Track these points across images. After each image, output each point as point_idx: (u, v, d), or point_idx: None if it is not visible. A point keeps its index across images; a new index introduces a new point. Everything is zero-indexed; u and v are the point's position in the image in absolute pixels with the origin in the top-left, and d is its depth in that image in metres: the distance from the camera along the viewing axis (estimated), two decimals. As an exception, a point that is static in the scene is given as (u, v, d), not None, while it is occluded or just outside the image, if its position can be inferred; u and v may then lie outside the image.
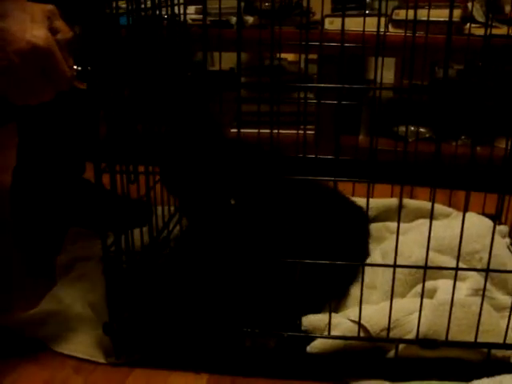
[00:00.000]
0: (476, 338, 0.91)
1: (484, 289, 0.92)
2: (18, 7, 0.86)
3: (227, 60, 1.44)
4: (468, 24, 1.75)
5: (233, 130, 1.88)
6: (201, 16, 1.88)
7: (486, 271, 0.92)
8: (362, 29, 1.41)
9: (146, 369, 0.98)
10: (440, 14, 1.58)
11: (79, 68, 0.92)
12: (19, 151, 1.44)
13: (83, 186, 1.48)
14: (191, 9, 1.93)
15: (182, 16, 1.35)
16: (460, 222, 0.87)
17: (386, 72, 1.73)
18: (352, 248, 1.14)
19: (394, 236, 0.90)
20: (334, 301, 1.09)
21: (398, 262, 0.91)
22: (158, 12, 1.19)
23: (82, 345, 1.02)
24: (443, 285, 1.03)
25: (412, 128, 1.83)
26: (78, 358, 1.00)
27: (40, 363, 1.00)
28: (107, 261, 0.94)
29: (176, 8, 1.31)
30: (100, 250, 0.94)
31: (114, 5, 0.90)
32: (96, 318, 1.08)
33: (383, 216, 1.40)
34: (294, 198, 1.05)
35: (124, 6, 1.02)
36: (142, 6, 1.10)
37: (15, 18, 0.84)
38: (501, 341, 0.92)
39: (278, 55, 1.76)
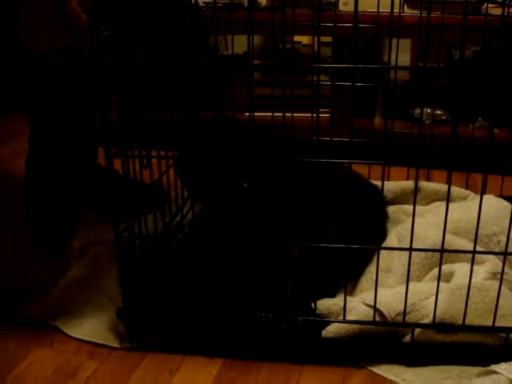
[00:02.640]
0: (494, 322, 0.90)
1: (502, 272, 0.90)
2: None
3: (242, 44, 1.43)
4: (485, 4, 1.72)
5: (246, 114, 1.86)
6: (212, -1, 1.87)
7: (504, 254, 0.90)
8: (376, 10, 1.39)
9: (159, 353, 0.98)
10: (456, -6, 1.55)
11: None
12: (31, 138, 1.44)
13: (96, 171, 1.48)
14: (203, -9, 1.92)
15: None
16: (477, 205, 0.86)
17: (402, 54, 1.70)
18: (368, 229, 1.13)
19: (411, 219, 0.89)
20: (350, 283, 1.08)
21: (415, 245, 0.90)
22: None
23: (96, 330, 1.03)
24: (460, 268, 1.02)
25: (428, 110, 1.80)
26: (92, 342, 1.01)
27: (55, 348, 1.00)
28: (120, 246, 0.94)
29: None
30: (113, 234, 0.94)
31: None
32: (110, 303, 1.09)
33: (400, 199, 1.39)
34: (308, 179, 1.04)
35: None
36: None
37: None
38: (519, 325, 0.91)
39: (291, 38, 1.74)
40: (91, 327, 1.03)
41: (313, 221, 1.04)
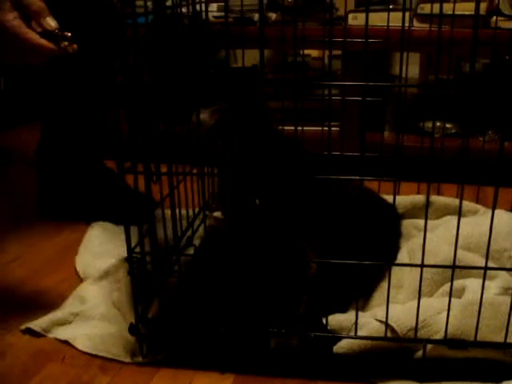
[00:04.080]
0: (506, 338, 0.89)
1: (514, 288, 0.90)
2: None
3: (251, 57, 1.43)
4: (494, 17, 1.73)
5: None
6: (223, 13, 1.88)
7: (516, 270, 0.90)
8: (386, 24, 1.39)
9: (171, 368, 0.98)
10: (465, 8, 1.56)
11: (68, 34, 0.96)
12: (42, 131, 1.55)
13: (103, 177, 1.55)
14: (213, 6, 1.93)
15: (203, 14, 1.35)
16: (488, 219, 0.86)
17: (411, 67, 1.71)
18: (382, 246, 1.13)
19: (422, 233, 0.89)
20: (361, 299, 1.08)
21: (426, 261, 0.90)
22: (179, 10, 1.19)
23: (107, 345, 1.02)
24: (471, 284, 1.02)
25: (438, 123, 1.80)
26: (103, 357, 1.00)
27: (66, 363, 1.00)
28: (132, 262, 0.94)
29: (198, 6, 1.31)
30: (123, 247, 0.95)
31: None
32: (121, 317, 1.09)
33: (410, 213, 1.39)
34: (324, 196, 1.04)
35: (142, 3, 1.02)
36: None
37: None
38: (531, 341, 0.90)
39: (301, 52, 1.75)
40: (102, 342, 1.03)
41: (332, 238, 1.04)
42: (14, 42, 0.98)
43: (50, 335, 1.06)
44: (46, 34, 0.97)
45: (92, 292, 1.17)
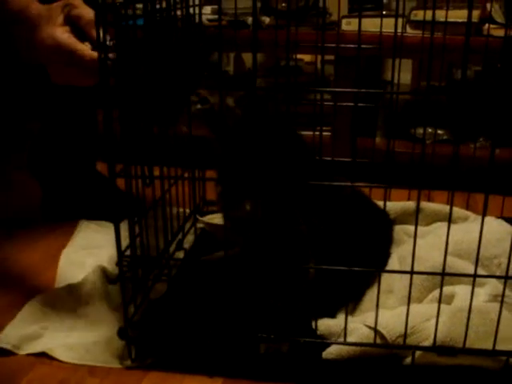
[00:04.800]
0: (494, 345, 0.90)
1: (503, 295, 0.90)
2: (37, 13, 1.03)
3: (244, 59, 1.44)
4: (487, 25, 1.73)
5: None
6: (217, 16, 1.88)
7: (505, 278, 0.90)
8: (379, 30, 1.40)
9: (160, 372, 0.98)
10: (458, 15, 1.57)
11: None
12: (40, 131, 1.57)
13: (93, 180, 1.56)
14: (207, 9, 1.93)
15: (197, 16, 1.35)
16: (478, 226, 0.86)
17: (404, 73, 1.71)
18: (374, 252, 1.13)
19: (412, 239, 0.89)
20: (351, 304, 1.08)
21: (416, 267, 0.90)
22: (172, 13, 1.19)
23: (93, 353, 1.01)
24: (461, 290, 1.02)
25: (429, 130, 1.81)
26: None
27: (55, 365, 0.99)
28: (121, 266, 0.94)
29: (191, 9, 1.31)
30: (109, 247, 0.94)
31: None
32: (103, 324, 1.08)
33: (401, 219, 1.39)
34: (318, 199, 1.04)
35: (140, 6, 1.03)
36: (158, 6, 1.10)
37: (37, 25, 1.02)
38: (519, 348, 0.91)
39: (294, 56, 1.76)
40: (87, 350, 1.01)
41: (331, 242, 1.04)
42: (67, 56, 1.00)
43: (22, 352, 1.02)
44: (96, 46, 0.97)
45: (68, 298, 1.15)
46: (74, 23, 1.02)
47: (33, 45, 1.02)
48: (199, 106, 1.01)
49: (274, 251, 1.01)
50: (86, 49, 1.00)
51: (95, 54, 0.97)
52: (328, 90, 1.10)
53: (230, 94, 0.98)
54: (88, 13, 1.01)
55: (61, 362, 1.00)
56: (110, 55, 0.89)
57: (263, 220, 0.99)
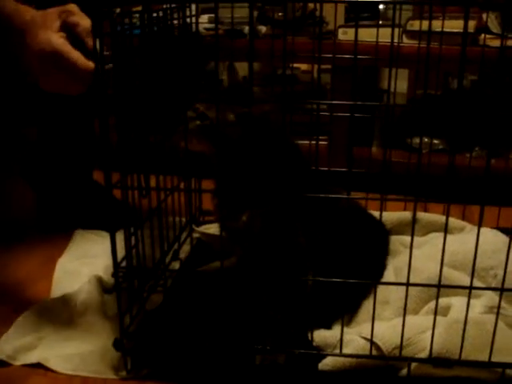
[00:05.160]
0: (490, 357, 0.89)
1: (498, 307, 0.90)
2: (30, 19, 1.02)
3: (240, 69, 1.44)
4: (483, 35, 1.74)
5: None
6: (214, 25, 1.88)
7: (501, 290, 0.90)
8: (375, 39, 1.40)
9: (156, 383, 0.97)
10: (454, 25, 1.57)
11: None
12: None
13: (89, 189, 1.56)
14: (204, 18, 1.94)
15: (194, 26, 1.35)
16: (474, 237, 0.86)
17: (400, 82, 1.72)
18: (370, 264, 1.13)
19: (408, 250, 0.89)
20: (347, 315, 1.08)
21: (412, 278, 0.90)
22: (169, 22, 1.19)
23: (88, 363, 1.00)
24: (457, 302, 1.02)
25: (425, 139, 1.81)
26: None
27: (50, 376, 0.99)
28: (117, 277, 0.93)
29: (188, 18, 1.32)
30: (105, 257, 0.93)
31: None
32: (98, 335, 1.07)
33: (397, 229, 1.38)
34: (313, 212, 1.04)
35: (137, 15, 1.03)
36: (154, 15, 1.10)
37: (30, 30, 1.01)
38: (515, 360, 0.91)
39: (291, 65, 1.76)
40: (82, 361, 1.01)
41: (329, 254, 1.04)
42: (60, 62, 0.99)
43: (17, 363, 1.02)
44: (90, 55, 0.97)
45: (63, 309, 1.15)
46: (70, 30, 1.02)
47: (23, 50, 1.02)
48: (198, 122, 1.01)
49: (271, 262, 1.01)
50: (80, 57, 0.99)
51: (89, 63, 0.97)
52: (324, 102, 1.10)
53: (229, 107, 0.98)
54: (85, 21, 1.02)
55: (56, 372, 0.99)
56: (106, 66, 0.88)
57: (261, 231, 0.99)
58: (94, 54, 0.87)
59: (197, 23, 1.41)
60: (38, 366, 1.01)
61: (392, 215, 1.41)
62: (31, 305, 1.16)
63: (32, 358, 1.02)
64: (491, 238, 1.21)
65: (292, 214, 1.01)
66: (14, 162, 1.64)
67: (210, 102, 1.00)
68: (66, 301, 1.15)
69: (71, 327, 1.10)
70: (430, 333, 0.91)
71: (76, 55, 0.99)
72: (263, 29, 1.94)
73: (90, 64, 0.97)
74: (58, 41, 0.99)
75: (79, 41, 1.01)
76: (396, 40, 1.50)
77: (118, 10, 1.02)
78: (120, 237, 0.94)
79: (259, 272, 1.02)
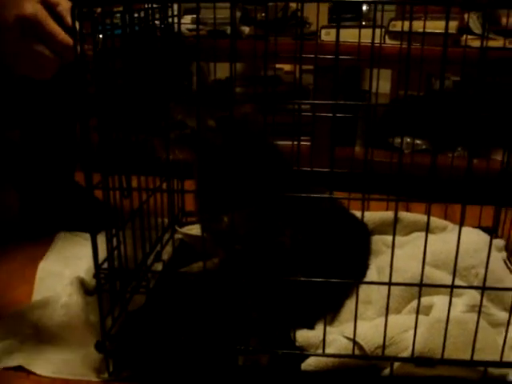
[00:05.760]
0: (472, 356, 0.90)
1: (480, 306, 0.91)
2: None
3: (223, 69, 1.44)
4: (464, 35, 1.75)
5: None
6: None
7: (482, 289, 0.91)
8: (357, 40, 1.40)
9: (138, 384, 0.97)
10: (436, 26, 1.58)
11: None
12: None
13: (71, 190, 1.55)
14: (187, 18, 1.93)
15: (176, 26, 1.35)
16: (456, 236, 0.86)
17: (383, 82, 1.72)
18: (352, 263, 1.13)
19: (390, 250, 0.89)
20: (329, 315, 1.08)
21: (394, 278, 0.90)
22: (151, 23, 1.19)
23: (71, 366, 1.00)
24: (439, 301, 1.02)
25: (408, 139, 1.82)
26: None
27: (32, 379, 0.99)
28: (99, 278, 0.93)
29: (170, 18, 1.31)
30: (87, 259, 0.93)
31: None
32: (79, 338, 1.06)
33: (379, 229, 1.39)
34: (294, 212, 1.04)
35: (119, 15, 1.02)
36: (136, 15, 1.09)
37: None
38: (497, 358, 0.91)
39: (274, 66, 1.76)
40: (65, 364, 1.00)
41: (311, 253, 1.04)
42: (37, 29, 0.97)
43: None
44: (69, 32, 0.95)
45: (43, 312, 1.12)
46: (50, 8, 0.99)
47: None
48: (178, 132, 1.00)
49: (254, 263, 1.01)
50: (59, 29, 0.97)
51: (68, 38, 0.96)
52: (306, 102, 1.10)
53: (208, 112, 0.98)
54: (65, 2, 0.99)
55: (38, 375, 0.99)
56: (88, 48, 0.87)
57: (244, 232, 0.99)
58: (73, 32, 0.84)
59: (179, 23, 1.40)
60: (20, 369, 1.00)
61: (374, 215, 1.41)
62: (12, 307, 1.15)
63: (14, 361, 1.01)
64: (473, 237, 1.21)
65: (274, 215, 1.01)
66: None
67: (187, 107, 0.99)
68: (47, 303, 1.14)
69: (53, 330, 1.08)
70: (412, 332, 0.91)
71: (55, 26, 0.97)
72: (246, 29, 1.94)
73: (69, 39, 0.95)
74: (37, 6, 0.97)
75: (59, 19, 0.99)
76: (378, 41, 1.51)
77: (98, 10, 1.01)
78: (102, 238, 0.94)
79: (242, 273, 1.01)
